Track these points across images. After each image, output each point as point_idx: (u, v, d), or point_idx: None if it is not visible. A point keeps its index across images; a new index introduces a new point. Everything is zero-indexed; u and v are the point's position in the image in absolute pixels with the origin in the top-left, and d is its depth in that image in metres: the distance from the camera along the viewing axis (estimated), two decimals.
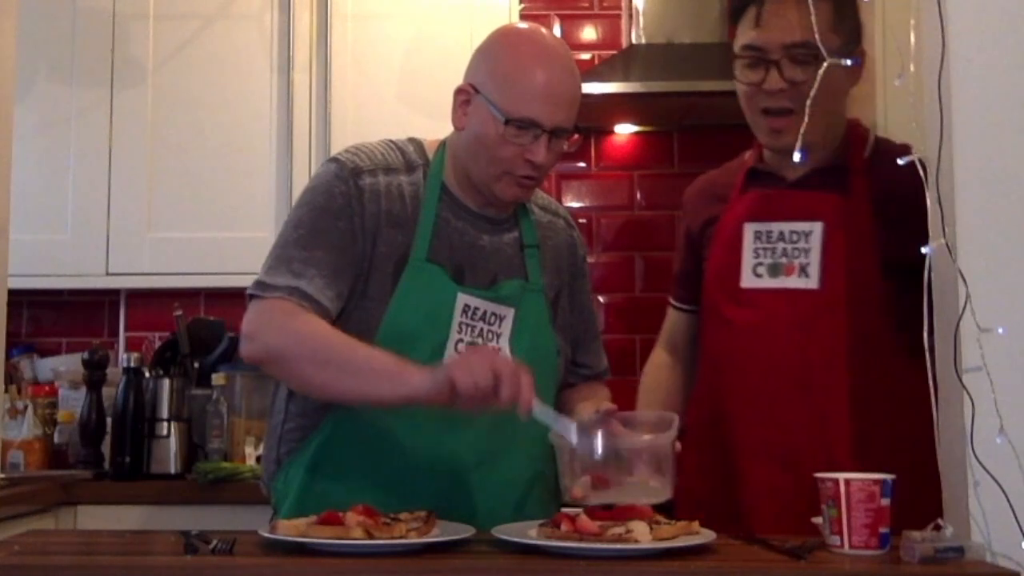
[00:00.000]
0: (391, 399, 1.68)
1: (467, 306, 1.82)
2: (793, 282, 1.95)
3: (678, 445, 1.68)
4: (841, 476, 1.51)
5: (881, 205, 1.92)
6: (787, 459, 1.89)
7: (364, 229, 1.80)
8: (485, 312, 1.84)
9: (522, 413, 1.59)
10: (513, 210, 1.93)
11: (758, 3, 1.94)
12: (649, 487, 1.64)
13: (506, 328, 1.85)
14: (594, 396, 1.96)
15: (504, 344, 1.85)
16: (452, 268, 1.83)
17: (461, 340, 1.81)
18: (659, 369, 2.23)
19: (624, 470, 1.66)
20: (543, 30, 1.94)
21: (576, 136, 1.85)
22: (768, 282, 1.97)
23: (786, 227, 1.97)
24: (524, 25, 1.97)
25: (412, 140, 1.94)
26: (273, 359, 1.76)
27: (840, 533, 1.50)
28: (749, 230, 2.00)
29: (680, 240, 2.22)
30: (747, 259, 1.99)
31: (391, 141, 1.92)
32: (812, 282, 1.93)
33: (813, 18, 1.68)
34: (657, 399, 2.16)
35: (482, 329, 1.83)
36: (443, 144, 1.92)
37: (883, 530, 1.49)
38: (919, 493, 1.59)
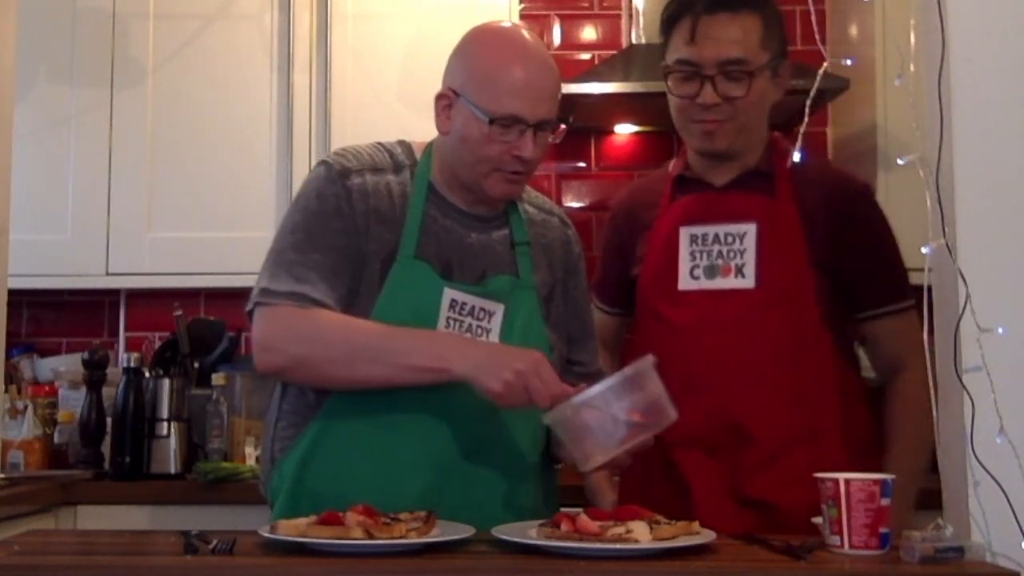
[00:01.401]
0: (426, 382, 1.73)
1: (454, 301, 1.83)
2: (730, 283, 2.00)
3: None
4: (841, 476, 1.51)
5: (808, 209, 2.00)
6: (719, 447, 1.95)
7: (357, 228, 1.82)
8: (473, 307, 1.84)
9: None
10: (503, 208, 1.94)
11: (692, 17, 1.98)
12: (649, 411, 1.67)
13: (496, 324, 1.86)
14: None
15: (494, 340, 1.85)
16: (440, 264, 1.84)
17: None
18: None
19: (619, 412, 1.67)
20: (515, 26, 1.96)
21: (562, 127, 1.86)
22: (705, 283, 2.02)
23: (721, 229, 2.03)
24: (496, 24, 1.97)
25: (401, 142, 1.96)
26: (298, 365, 1.78)
27: (840, 533, 1.50)
28: (685, 234, 2.05)
29: (607, 247, 2.27)
30: (684, 262, 2.04)
31: (379, 143, 1.94)
32: (748, 282, 1.99)
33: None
34: None
35: (471, 324, 1.84)
36: (430, 145, 1.94)
37: (883, 530, 1.49)
38: None
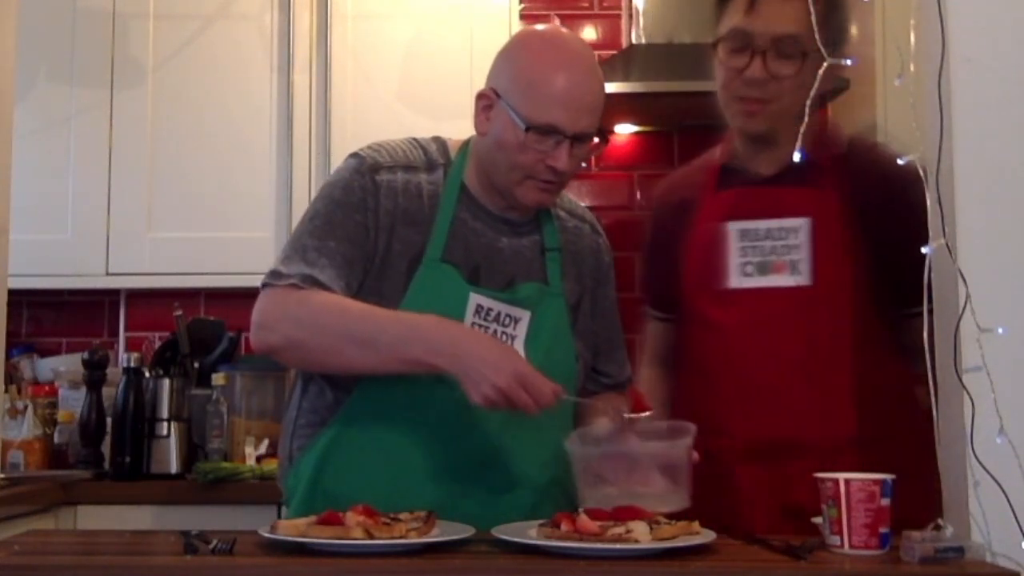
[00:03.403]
0: (415, 371, 1.71)
1: (480, 307, 1.81)
2: (784, 280, 1.93)
3: (695, 454, 1.67)
4: (841, 476, 1.51)
5: (861, 201, 1.92)
6: (776, 456, 1.88)
7: (378, 225, 1.80)
8: (499, 313, 1.82)
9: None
10: (535, 214, 1.91)
11: None
12: (663, 496, 1.64)
13: (521, 331, 1.83)
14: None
15: (519, 346, 1.82)
16: (467, 268, 1.82)
17: None
18: (652, 392, 2.17)
19: (637, 480, 1.66)
20: (566, 33, 1.91)
21: (596, 141, 1.82)
22: (757, 281, 1.94)
23: (773, 224, 1.95)
24: (546, 28, 1.93)
25: (436, 139, 1.92)
26: (289, 346, 1.76)
27: (840, 533, 1.50)
28: (734, 229, 1.97)
29: (651, 245, 2.18)
30: (734, 259, 1.96)
31: (415, 139, 1.91)
32: (803, 279, 1.92)
33: (812, 14, 1.68)
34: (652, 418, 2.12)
35: (496, 331, 1.81)
36: (467, 144, 1.90)
37: (883, 530, 1.49)
38: (917, 490, 1.59)
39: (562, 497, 1.85)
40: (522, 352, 1.82)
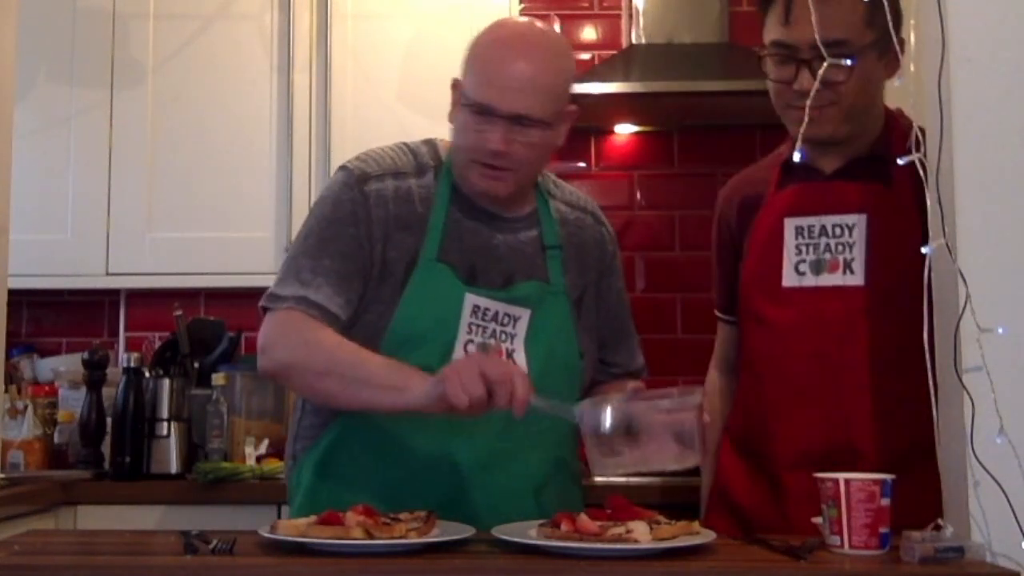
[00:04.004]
0: (392, 409, 1.69)
1: (477, 307, 1.80)
2: (837, 279, 1.85)
3: (706, 416, 1.64)
4: (841, 476, 1.51)
5: (923, 197, 1.85)
6: (826, 465, 1.74)
7: (372, 235, 1.80)
8: (497, 313, 1.81)
9: (517, 414, 1.58)
10: (532, 208, 1.90)
11: None
12: (676, 456, 1.61)
13: (521, 329, 1.83)
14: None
15: (519, 345, 1.82)
16: (464, 268, 1.82)
17: (471, 341, 1.80)
18: (714, 395, 2.11)
19: (648, 445, 1.61)
20: (530, 23, 1.89)
21: (543, 126, 1.77)
22: (811, 280, 1.87)
23: (828, 220, 1.88)
24: (514, 18, 1.94)
25: (427, 141, 1.93)
26: (284, 372, 1.79)
27: (840, 533, 1.50)
28: (789, 225, 1.91)
29: (716, 245, 2.11)
30: (789, 256, 1.89)
31: (404, 144, 1.91)
32: (857, 278, 1.84)
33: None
34: (713, 428, 1.99)
35: (495, 330, 1.81)
36: None
37: (883, 530, 1.49)
38: None
39: (563, 488, 1.86)
40: (521, 351, 1.82)
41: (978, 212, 1.54)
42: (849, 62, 1.77)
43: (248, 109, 3.15)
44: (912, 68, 1.56)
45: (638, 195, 3.48)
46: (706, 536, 1.54)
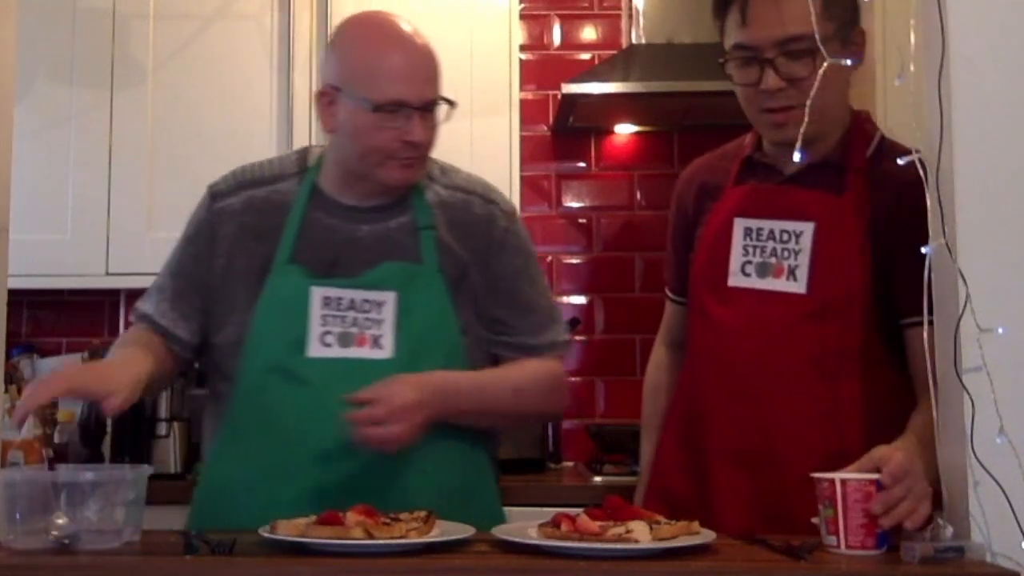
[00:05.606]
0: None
1: (328, 298, 1.84)
2: (781, 284, 1.85)
3: None
4: (837, 476, 1.51)
5: (877, 209, 1.84)
6: (756, 467, 1.82)
7: (215, 252, 1.92)
8: (353, 300, 1.84)
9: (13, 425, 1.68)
10: (404, 195, 1.92)
11: None
12: None
13: (388, 313, 1.85)
14: (487, 371, 1.93)
15: (387, 330, 1.84)
16: (323, 264, 1.86)
17: (329, 332, 1.83)
18: (659, 369, 2.18)
19: None
20: (384, 13, 1.95)
21: (447, 105, 1.86)
22: (755, 282, 1.88)
23: (777, 225, 1.88)
24: (367, 13, 1.98)
25: (301, 148, 2.04)
26: None
27: (836, 533, 1.50)
28: (739, 226, 1.91)
29: (672, 227, 2.11)
30: (736, 256, 1.90)
31: (281, 155, 2.04)
32: (800, 286, 1.84)
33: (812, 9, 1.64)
34: (659, 402, 2.12)
35: (355, 318, 1.84)
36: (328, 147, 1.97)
37: (880, 530, 1.49)
38: None
39: (441, 468, 1.86)
40: (389, 335, 1.83)
41: (978, 212, 1.54)
42: (850, 62, 1.76)
43: (248, 109, 3.15)
44: (912, 68, 1.56)
45: (638, 195, 3.48)
46: (706, 536, 1.54)
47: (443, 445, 1.84)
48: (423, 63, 1.85)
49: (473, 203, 1.96)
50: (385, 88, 1.80)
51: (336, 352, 1.82)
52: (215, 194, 1.97)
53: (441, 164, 2.01)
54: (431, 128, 1.86)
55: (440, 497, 1.77)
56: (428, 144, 1.87)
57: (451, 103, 1.87)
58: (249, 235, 1.90)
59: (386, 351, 1.83)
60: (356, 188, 1.91)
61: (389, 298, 1.85)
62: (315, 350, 1.82)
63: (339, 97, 1.85)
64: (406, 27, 1.88)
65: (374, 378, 1.76)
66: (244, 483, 1.82)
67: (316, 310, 1.83)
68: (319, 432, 1.79)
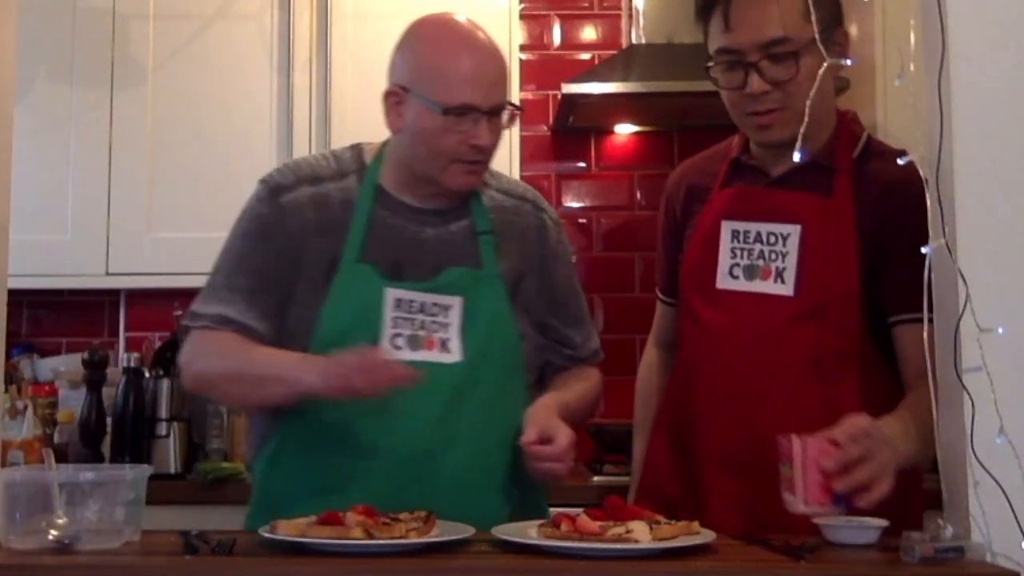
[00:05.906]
0: (290, 397, 1.77)
1: (400, 300, 1.82)
2: (768, 287, 1.86)
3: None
4: (795, 436, 1.54)
5: (864, 210, 1.84)
6: (747, 469, 1.82)
7: (287, 245, 1.86)
8: (424, 304, 1.84)
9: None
10: (464, 199, 1.92)
11: (724, 2, 1.85)
12: None
13: (454, 317, 1.84)
14: (565, 386, 1.95)
15: (453, 334, 1.84)
16: (389, 265, 1.84)
17: (400, 334, 1.82)
18: (650, 369, 2.18)
19: None
20: (455, 15, 1.93)
21: (514, 110, 1.86)
22: (743, 284, 1.88)
23: (764, 228, 1.88)
24: (436, 15, 1.94)
25: (353, 146, 1.98)
26: (205, 385, 1.93)
27: (793, 490, 1.52)
28: (726, 228, 1.92)
29: (662, 229, 2.12)
30: (724, 259, 1.91)
31: (331, 150, 1.99)
32: (787, 288, 1.84)
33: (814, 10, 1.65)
34: (652, 403, 2.12)
35: (424, 321, 1.83)
36: (384, 145, 1.94)
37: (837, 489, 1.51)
38: (891, 514, 1.57)
39: (510, 490, 1.86)
40: (455, 338, 1.84)
41: (978, 212, 1.54)
42: (849, 62, 1.76)
43: (248, 109, 3.15)
44: (912, 68, 1.56)
45: (638, 195, 3.48)
46: (706, 536, 1.54)
47: (516, 464, 1.84)
48: (492, 67, 1.84)
49: (525, 209, 1.98)
50: (455, 91, 1.79)
51: (406, 355, 1.80)
52: (276, 189, 1.89)
53: (490, 168, 1.99)
54: (497, 133, 1.84)
55: (510, 516, 1.79)
56: (493, 149, 1.85)
57: (518, 108, 1.87)
58: (318, 231, 1.85)
59: (454, 355, 1.83)
60: (418, 190, 1.89)
61: (456, 302, 1.85)
62: (386, 351, 1.79)
63: (407, 98, 1.83)
64: (475, 30, 1.87)
65: (443, 382, 1.79)
66: (307, 490, 1.79)
67: (388, 312, 1.82)
68: (391, 437, 1.78)
